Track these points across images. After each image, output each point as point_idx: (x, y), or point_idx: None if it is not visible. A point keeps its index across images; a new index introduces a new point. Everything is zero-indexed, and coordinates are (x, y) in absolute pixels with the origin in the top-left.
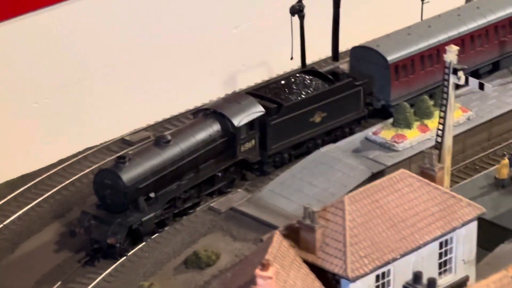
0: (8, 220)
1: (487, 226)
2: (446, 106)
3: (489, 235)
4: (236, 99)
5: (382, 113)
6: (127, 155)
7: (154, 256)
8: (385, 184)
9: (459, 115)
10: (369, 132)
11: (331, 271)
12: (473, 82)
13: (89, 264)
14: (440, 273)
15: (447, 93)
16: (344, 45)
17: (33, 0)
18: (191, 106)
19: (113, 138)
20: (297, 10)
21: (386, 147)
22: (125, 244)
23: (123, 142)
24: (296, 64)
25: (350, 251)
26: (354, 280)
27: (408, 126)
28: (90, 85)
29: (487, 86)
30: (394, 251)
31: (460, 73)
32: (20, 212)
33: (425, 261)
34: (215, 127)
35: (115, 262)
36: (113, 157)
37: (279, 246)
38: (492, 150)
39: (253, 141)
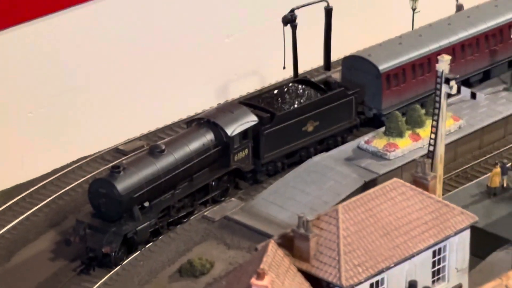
0: (4, 229)
1: (479, 234)
2: (438, 115)
3: (482, 243)
4: (229, 108)
5: (374, 122)
6: (121, 164)
7: (149, 264)
8: (379, 193)
9: (451, 124)
10: (361, 141)
11: (325, 280)
12: (465, 91)
13: (84, 273)
14: (433, 281)
15: (439, 102)
16: (336, 55)
17: (27, 11)
18: (184, 115)
19: (107, 147)
20: (290, 20)
21: (378, 155)
22: (120, 252)
23: (117, 151)
24: (289, 73)
25: (344, 260)
26: None
27: (400, 135)
28: (84, 95)
29: (480, 95)
30: (387, 259)
31: (452, 83)
32: (15, 222)
33: (419, 269)
34: (209, 137)
35: (110, 271)
36: (107, 166)
37: (274, 255)
38: (483, 158)
39: (246, 150)
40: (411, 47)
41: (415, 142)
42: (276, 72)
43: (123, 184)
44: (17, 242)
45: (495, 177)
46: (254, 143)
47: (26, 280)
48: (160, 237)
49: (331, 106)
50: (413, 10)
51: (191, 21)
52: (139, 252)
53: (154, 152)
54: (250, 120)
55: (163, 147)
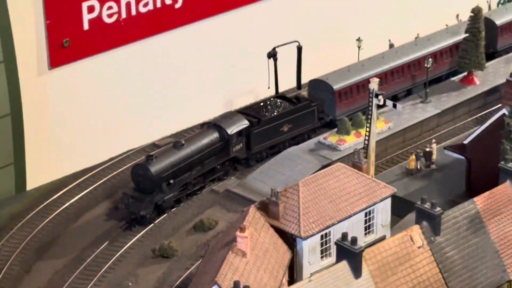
0: (73, 200)
1: (399, 201)
2: (370, 119)
3: (401, 207)
4: (229, 115)
5: (330, 125)
6: (154, 154)
7: (172, 223)
8: (327, 173)
9: (382, 126)
10: (321, 137)
11: (290, 232)
12: (389, 102)
13: (128, 229)
14: (365, 234)
15: (371, 110)
16: (304, 79)
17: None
18: (199, 121)
19: (148, 142)
20: (272, 55)
21: (332, 148)
22: (152, 215)
23: (154, 145)
24: (272, 92)
25: (302, 219)
26: (305, 238)
27: (348, 133)
28: (132, 108)
29: (398, 105)
30: (333, 218)
31: (380, 97)
32: (81, 194)
33: (355, 225)
34: (215, 135)
35: (146, 227)
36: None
37: (253, 215)
38: (405, 149)
39: (241, 144)
40: (356, 73)
41: (357, 138)
42: (263, 90)
43: (155, 168)
44: (82, 208)
45: (411, 162)
46: (246, 139)
47: (88, 234)
48: (181, 204)
49: (300, 113)
50: (359, 47)
51: (207, 55)
52: (166, 214)
53: (177, 145)
54: (244, 123)
55: (183, 142)
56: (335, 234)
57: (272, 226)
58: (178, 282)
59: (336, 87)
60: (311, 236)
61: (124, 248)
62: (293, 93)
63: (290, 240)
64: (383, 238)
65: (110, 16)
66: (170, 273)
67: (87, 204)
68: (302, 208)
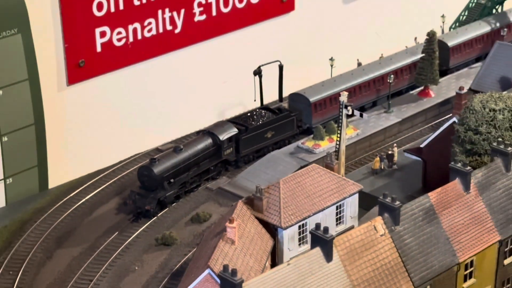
0: (88, 196)
1: (366, 196)
2: (341, 127)
3: (367, 201)
4: (221, 124)
5: (307, 132)
6: (157, 157)
7: (173, 216)
8: (304, 173)
9: (352, 132)
10: (299, 142)
11: (272, 223)
12: (357, 112)
13: (135, 221)
14: (337, 224)
15: (341, 119)
16: (285, 92)
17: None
18: (196, 129)
19: (152, 147)
20: (257, 72)
21: (309, 151)
22: (156, 209)
23: (157, 150)
24: (257, 104)
25: (283, 211)
26: (285, 228)
27: (322, 139)
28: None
29: (365, 115)
30: (309, 211)
31: (349, 108)
32: (95, 192)
33: (328, 217)
34: (209, 140)
35: (150, 220)
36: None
37: (241, 209)
38: (370, 152)
39: (231, 148)
40: (329, 87)
41: (330, 143)
42: (250, 103)
43: (157, 169)
44: (96, 203)
45: (376, 163)
46: (236, 144)
47: (101, 226)
48: (180, 200)
49: (281, 122)
50: (331, 66)
51: (202, 73)
52: (167, 208)
53: (176, 150)
54: (233, 130)
55: (182, 146)
56: (311, 224)
57: (257, 218)
58: (177, 266)
59: (312, 99)
60: (290, 226)
61: (131, 238)
62: (275, 105)
63: (272, 230)
64: (351, 228)
65: (119, 40)
66: (170, 259)
67: (100, 200)
68: (282, 202)
